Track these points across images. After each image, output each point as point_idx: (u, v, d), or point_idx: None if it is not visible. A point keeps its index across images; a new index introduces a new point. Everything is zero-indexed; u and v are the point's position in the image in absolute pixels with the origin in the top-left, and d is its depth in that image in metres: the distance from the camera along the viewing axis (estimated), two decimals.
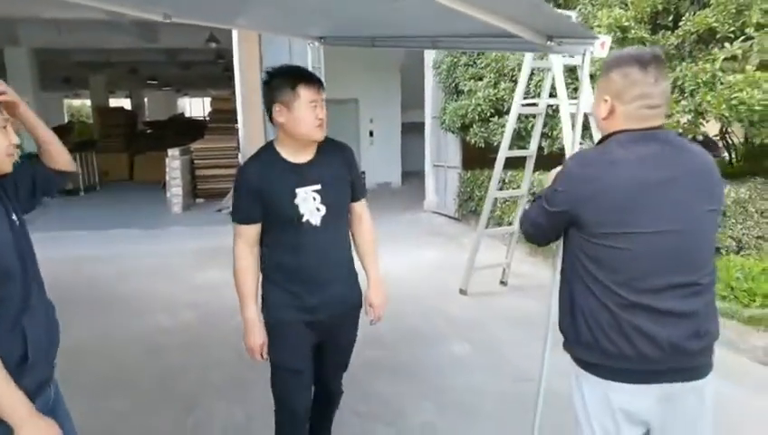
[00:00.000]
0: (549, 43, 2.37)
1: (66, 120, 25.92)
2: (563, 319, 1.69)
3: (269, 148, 2.18)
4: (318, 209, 2.12)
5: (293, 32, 4.65)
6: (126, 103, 24.69)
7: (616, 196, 1.51)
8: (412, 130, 12.99)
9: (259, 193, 2.09)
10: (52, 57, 14.72)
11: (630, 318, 1.52)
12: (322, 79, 5.52)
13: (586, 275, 1.58)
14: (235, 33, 7.66)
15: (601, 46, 2.21)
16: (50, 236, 8.28)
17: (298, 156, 2.15)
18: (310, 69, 5.16)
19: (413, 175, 13.15)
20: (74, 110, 33.14)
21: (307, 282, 2.15)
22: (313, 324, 2.18)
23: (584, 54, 2.29)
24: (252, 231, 2.16)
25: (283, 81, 2.09)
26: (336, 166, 2.22)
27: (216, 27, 6.60)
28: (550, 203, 1.65)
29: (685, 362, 1.55)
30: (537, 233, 1.78)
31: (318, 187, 2.12)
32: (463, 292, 5.30)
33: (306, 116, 2.07)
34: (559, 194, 1.62)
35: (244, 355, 2.25)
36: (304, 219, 2.10)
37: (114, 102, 23.34)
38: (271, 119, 2.16)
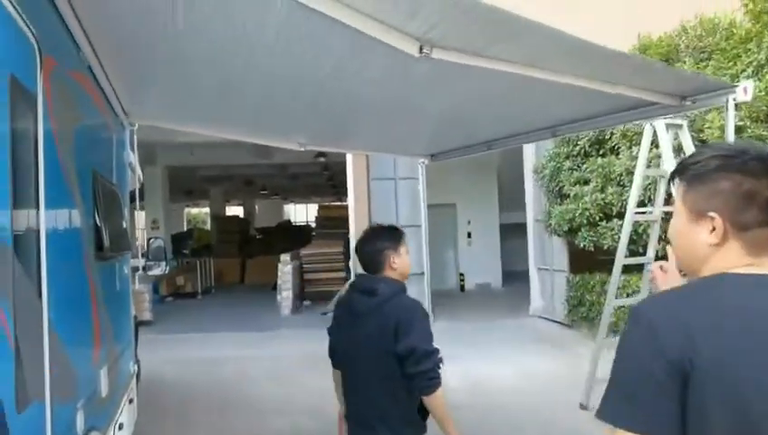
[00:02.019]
0: (684, 102, 2.41)
1: (186, 228, 28.61)
2: None
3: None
4: None
5: (405, 152, 5.00)
6: (239, 211, 26.92)
7: None
8: (511, 231, 12.95)
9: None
10: (180, 173, 16.66)
11: None
12: (424, 185, 5.83)
13: None
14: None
15: (744, 91, 2.21)
16: (172, 339, 8.97)
17: None
18: (420, 183, 5.49)
19: (514, 276, 12.91)
20: (191, 217, 36.55)
21: None
22: None
23: (727, 103, 2.26)
24: None
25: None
26: None
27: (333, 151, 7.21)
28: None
29: None
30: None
31: None
32: (584, 407, 4.96)
33: None
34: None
35: None
36: None
37: (229, 210, 25.55)
38: None
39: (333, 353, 2.67)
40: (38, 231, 1.84)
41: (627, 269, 5.93)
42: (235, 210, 27.57)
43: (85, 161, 2.70)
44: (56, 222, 2.06)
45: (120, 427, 3.30)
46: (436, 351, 2.25)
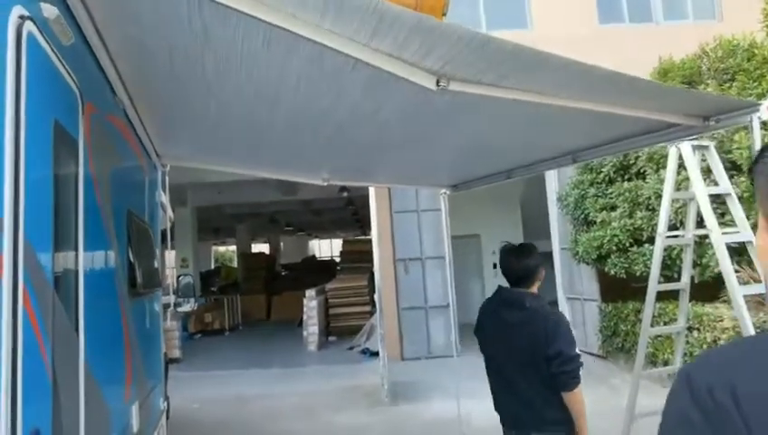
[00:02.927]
0: (706, 123, 2.41)
1: (213, 266, 28.99)
2: None
3: None
4: None
5: (426, 184, 5.03)
6: (265, 248, 27.20)
7: None
8: None
9: None
10: (207, 212, 17.00)
11: None
12: (447, 216, 5.87)
13: None
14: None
15: None
16: (200, 376, 8.99)
17: None
18: (442, 213, 5.49)
19: None
20: (219, 255, 37.04)
21: None
22: None
23: (751, 122, 2.26)
24: None
25: None
26: None
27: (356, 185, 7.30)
28: None
29: None
30: None
31: None
32: None
33: None
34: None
35: None
36: None
37: (255, 247, 25.85)
38: None
39: (488, 364, 2.99)
40: (77, 271, 1.90)
41: (662, 297, 5.79)
42: (261, 247, 27.86)
43: (121, 202, 2.80)
44: (93, 261, 2.13)
45: None
46: (579, 355, 2.59)
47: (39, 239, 1.52)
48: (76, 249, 1.91)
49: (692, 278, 5.49)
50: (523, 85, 2.15)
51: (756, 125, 2.20)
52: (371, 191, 6.71)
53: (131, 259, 2.93)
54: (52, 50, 1.68)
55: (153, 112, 3.22)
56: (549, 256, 9.94)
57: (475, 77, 2.08)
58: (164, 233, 4.89)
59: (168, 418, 5.82)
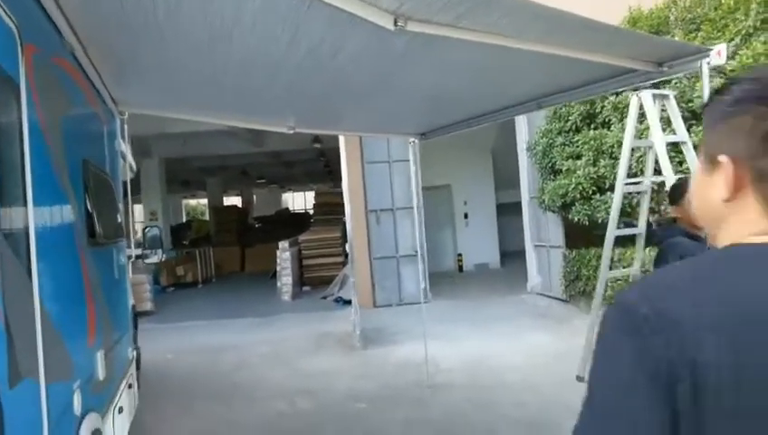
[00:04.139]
0: (660, 68, 2.45)
1: (185, 219, 28.66)
2: None
3: None
4: None
5: (395, 132, 5.02)
6: (237, 201, 26.94)
7: None
8: (508, 211, 13.01)
9: None
10: (175, 165, 16.66)
11: None
12: (418, 170, 5.95)
13: None
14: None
15: (718, 54, 2.25)
16: (173, 327, 9.05)
17: None
18: (411, 163, 5.51)
19: (511, 255, 12.98)
20: (190, 208, 36.59)
21: None
22: None
23: (701, 67, 2.31)
24: None
25: None
26: None
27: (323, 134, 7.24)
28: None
29: None
30: None
31: None
32: (581, 379, 5.04)
33: None
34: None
35: None
36: None
37: (227, 201, 25.58)
38: None
39: None
40: (26, 216, 1.87)
41: (622, 242, 5.99)
42: (233, 200, 27.58)
43: (75, 149, 2.73)
44: (45, 208, 2.09)
45: (120, 410, 3.36)
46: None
47: None
48: (24, 197, 1.87)
49: (650, 224, 5.68)
50: (480, 26, 2.13)
51: (705, 71, 2.24)
52: (341, 141, 6.66)
53: (89, 209, 2.88)
54: None
55: (105, 57, 3.10)
56: (518, 205, 10.15)
57: (433, 17, 2.05)
58: (126, 184, 4.81)
59: (138, 368, 5.90)
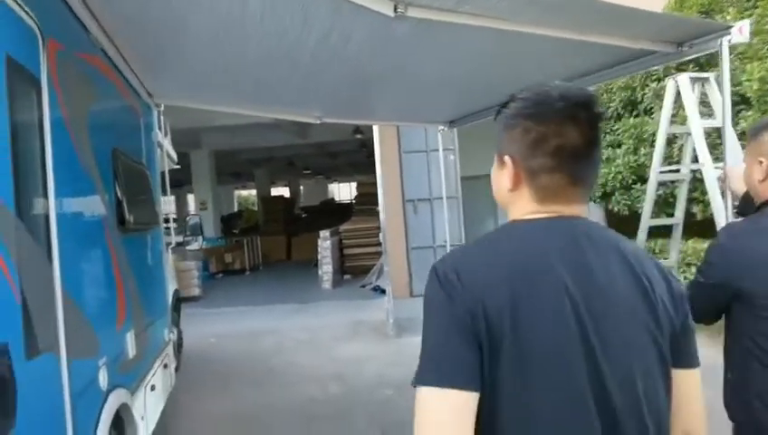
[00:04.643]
0: (680, 49, 2.37)
1: (236, 209, 29.54)
2: (735, 404, 1.61)
3: None
4: None
5: (422, 120, 5.00)
6: (285, 191, 27.52)
7: None
8: None
9: None
10: (225, 156, 17.18)
11: None
12: (457, 160, 5.98)
13: (763, 354, 1.52)
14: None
15: (739, 31, 2.15)
16: (218, 312, 9.41)
17: None
18: (441, 152, 5.49)
19: None
20: (242, 199, 37.63)
21: None
22: None
23: (721, 45, 2.21)
24: None
25: None
26: None
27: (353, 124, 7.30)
28: (704, 276, 1.68)
29: None
30: (695, 308, 1.67)
31: None
32: None
33: None
34: (712, 266, 1.65)
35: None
36: None
37: (275, 191, 26.17)
38: None
39: None
40: (47, 205, 2.01)
41: (664, 234, 5.75)
42: (281, 191, 28.19)
43: (104, 140, 2.88)
44: (66, 196, 2.22)
45: (153, 388, 3.55)
46: None
47: None
48: (45, 183, 2.00)
49: (693, 215, 5.44)
50: (481, 10, 2.11)
51: (725, 50, 2.13)
52: (375, 131, 6.70)
53: (119, 196, 3.04)
54: None
55: (135, 52, 3.25)
56: None
57: (433, 2, 2.05)
58: (163, 174, 5.02)
59: (180, 350, 6.19)
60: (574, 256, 0.95)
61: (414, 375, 0.95)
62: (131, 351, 3.05)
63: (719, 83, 4.40)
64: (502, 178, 1.05)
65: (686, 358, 1.03)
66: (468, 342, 0.91)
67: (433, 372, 0.93)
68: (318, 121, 4.31)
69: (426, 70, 3.06)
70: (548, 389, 0.90)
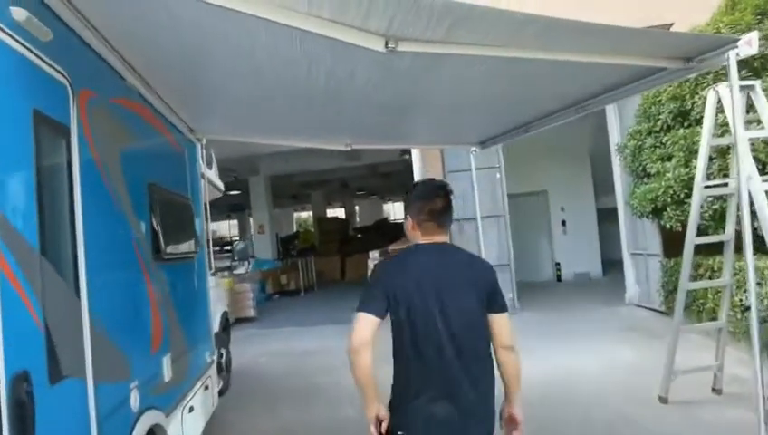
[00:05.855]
0: (689, 64, 2.31)
1: (294, 230, 30.32)
2: None
3: None
4: None
5: (452, 142, 5.02)
6: (341, 212, 27.99)
7: None
8: (610, 217, 12.24)
9: None
10: (280, 180, 17.75)
11: None
12: (503, 174, 6.01)
13: None
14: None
15: (748, 44, 2.06)
16: (271, 332, 9.67)
17: None
18: (474, 172, 5.45)
19: (616, 264, 12.15)
20: (301, 220, 38.56)
21: None
22: None
23: (728, 60, 2.14)
24: None
25: None
26: None
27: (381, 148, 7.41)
28: None
29: None
30: None
31: None
32: (663, 399, 4.64)
33: None
34: None
35: None
36: None
37: (331, 212, 26.67)
38: None
39: None
40: (74, 241, 2.18)
41: (717, 251, 5.42)
42: (337, 212, 28.70)
43: (138, 176, 3.09)
44: (96, 229, 2.40)
45: (191, 410, 3.71)
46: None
47: (17, 216, 1.80)
48: (72, 222, 2.18)
49: (755, 229, 5.09)
50: (472, 40, 2.13)
51: (733, 63, 2.04)
52: (414, 154, 6.76)
53: (154, 228, 3.24)
54: (27, 47, 1.91)
55: (172, 92, 3.48)
56: (614, 211, 9.53)
57: (421, 35, 2.09)
58: (212, 202, 5.27)
59: (228, 371, 6.40)
60: (438, 259, 2.20)
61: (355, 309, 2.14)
62: (167, 374, 3.21)
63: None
64: (408, 225, 2.30)
65: (496, 307, 2.18)
66: (382, 300, 2.13)
67: (365, 305, 2.13)
68: (348, 148, 4.43)
69: (439, 96, 3.10)
70: (417, 318, 2.13)
